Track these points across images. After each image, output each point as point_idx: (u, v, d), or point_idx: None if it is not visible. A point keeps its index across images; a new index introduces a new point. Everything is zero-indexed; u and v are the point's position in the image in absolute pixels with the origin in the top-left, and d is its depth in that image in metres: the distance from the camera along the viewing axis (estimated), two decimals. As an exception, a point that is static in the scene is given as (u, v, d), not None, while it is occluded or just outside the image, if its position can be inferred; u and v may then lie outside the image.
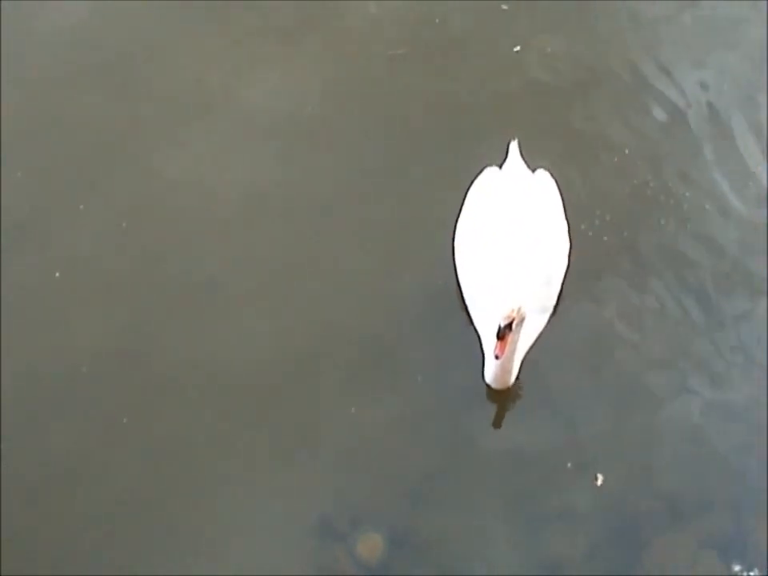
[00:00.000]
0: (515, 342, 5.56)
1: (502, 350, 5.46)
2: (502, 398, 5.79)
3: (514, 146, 6.19)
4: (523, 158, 6.17)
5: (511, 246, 5.83)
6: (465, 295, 5.95)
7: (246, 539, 5.47)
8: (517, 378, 5.77)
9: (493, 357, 5.51)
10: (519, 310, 5.42)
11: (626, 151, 6.64)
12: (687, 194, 6.50)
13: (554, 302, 5.91)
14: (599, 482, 5.63)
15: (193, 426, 5.75)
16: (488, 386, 5.77)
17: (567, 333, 5.99)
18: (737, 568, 5.43)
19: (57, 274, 6.20)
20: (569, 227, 6.05)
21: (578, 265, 6.08)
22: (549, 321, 5.85)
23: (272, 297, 6.14)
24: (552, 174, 6.12)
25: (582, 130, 6.70)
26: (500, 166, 6.17)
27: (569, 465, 5.68)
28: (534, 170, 6.16)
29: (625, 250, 6.29)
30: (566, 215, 6.05)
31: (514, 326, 5.42)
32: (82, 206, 6.40)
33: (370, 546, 5.45)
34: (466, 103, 6.79)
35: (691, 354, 5.97)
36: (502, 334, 5.40)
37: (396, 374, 5.87)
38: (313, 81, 6.86)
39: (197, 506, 5.54)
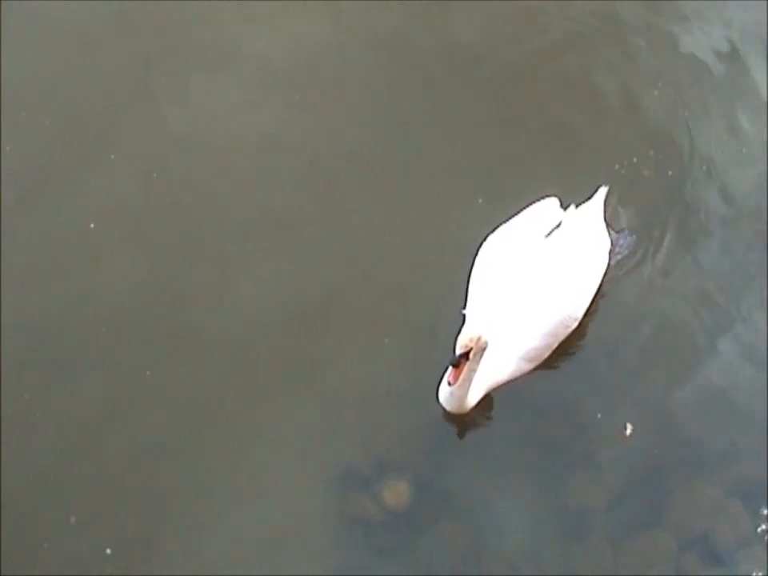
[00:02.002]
0: (473, 371, 5.43)
1: (456, 377, 5.35)
2: (456, 421, 5.70)
3: (602, 192, 6.00)
4: (605, 207, 6.01)
5: (531, 285, 5.67)
6: (468, 297, 5.79)
7: (274, 489, 5.65)
8: (487, 405, 5.69)
9: (446, 381, 5.42)
10: (479, 339, 5.28)
11: (655, 92, 6.75)
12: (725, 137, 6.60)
13: (545, 356, 5.74)
14: (628, 432, 5.73)
15: (217, 378, 5.90)
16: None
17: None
18: (765, 512, 5.51)
19: (92, 225, 6.40)
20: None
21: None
22: (533, 370, 5.74)
23: (294, 247, 6.28)
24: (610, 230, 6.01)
25: (611, 74, 6.79)
26: (568, 204, 5.97)
27: (599, 415, 5.78)
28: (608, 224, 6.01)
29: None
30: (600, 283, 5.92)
31: (471, 355, 5.31)
32: (113, 156, 6.59)
33: (397, 493, 5.59)
34: (486, 48, 6.86)
35: (718, 303, 6.05)
36: (457, 362, 5.32)
37: (419, 322, 5.96)
38: (328, 29, 6.96)
39: (222, 456, 5.71)
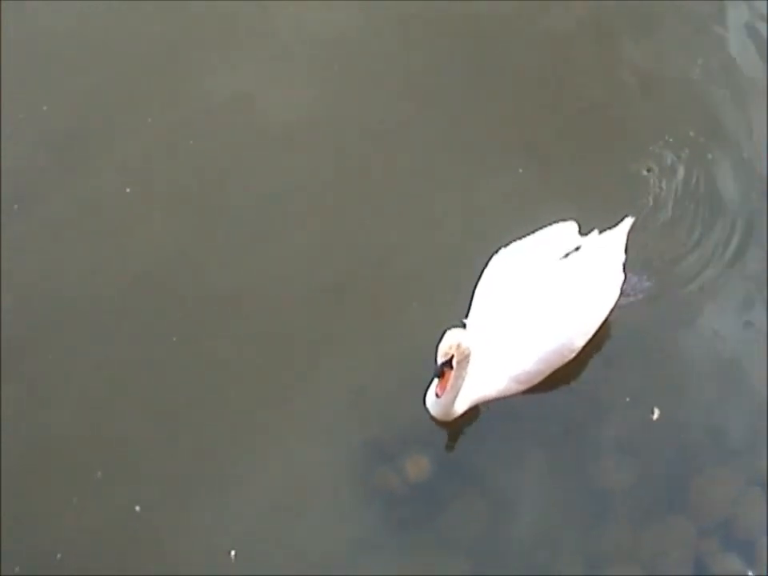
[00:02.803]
0: (460, 378, 5.46)
1: (443, 388, 5.37)
2: (443, 426, 5.75)
3: (627, 222, 5.96)
4: (628, 239, 5.96)
5: (535, 307, 5.67)
6: (471, 307, 5.82)
7: (297, 457, 5.80)
8: (474, 416, 5.74)
9: (434, 392, 5.44)
10: (458, 346, 5.30)
11: (697, 70, 6.92)
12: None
13: (536, 381, 5.74)
14: (655, 416, 5.84)
15: (243, 346, 6.06)
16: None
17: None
18: (784, 503, 5.61)
19: (127, 190, 6.60)
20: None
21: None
22: (524, 392, 5.76)
23: (326, 219, 6.45)
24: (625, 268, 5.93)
25: (650, 52, 6.97)
26: (590, 229, 5.96)
27: (627, 399, 5.90)
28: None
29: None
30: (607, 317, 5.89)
31: (454, 363, 5.33)
32: (150, 120, 6.79)
33: (418, 467, 5.72)
34: (520, 25, 7.04)
35: (749, 292, 6.15)
36: (441, 371, 5.33)
37: (446, 295, 6.05)
38: (366, 5, 7.15)
39: (248, 421, 5.86)
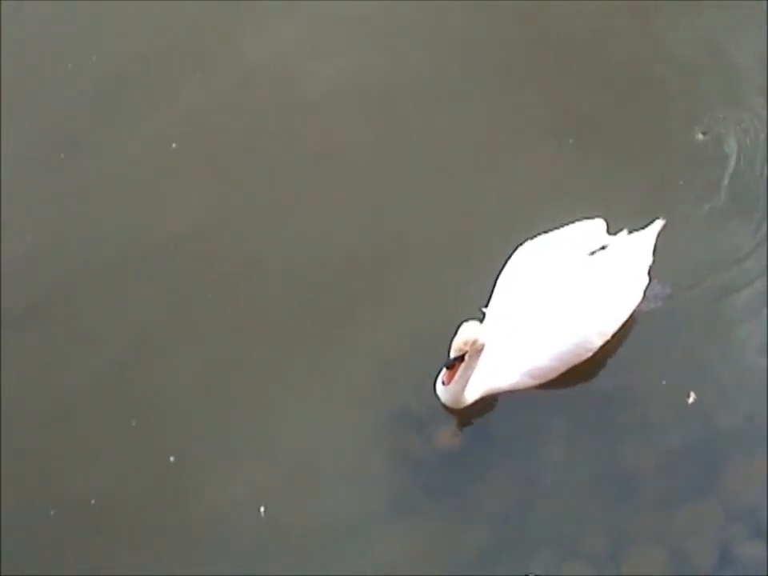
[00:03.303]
0: (470, 369, 5.50)
1: (450, 378, 5.44)
2: (454, 414, 5.80)
3: (657, 225, 5.93)
4: (656, 242, 5.94)
5: (555, 303, 5.69)
6: (491, 297, 5.85)
7: (328, 421, 5.89)
8: (485, 405, 5.77)
9: (441, 380, 5.52)
10: (474, 342, 5.36)
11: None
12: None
13: (550, 377, 5.74)
14: (691, 400, 5.88)
15: (278, 307, 6.17)
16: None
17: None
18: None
19: (174, 145, 6.70)
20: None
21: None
22: (537, 387, 5.78)
23: (364, 184, 6.53)
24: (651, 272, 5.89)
25: (701, 31, 6.99)
26: (619, 229, 5.94)
27: (663, 382, 5.94)
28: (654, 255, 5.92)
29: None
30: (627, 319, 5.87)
31: (467, 357, 5.39)
32: (199, 77, 6.88)
33: (448, 436, 5.81)
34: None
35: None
36: (451, 364, 5.40)
37: (480, 268, 6.05)
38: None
39: (279, 386, 5.96)
